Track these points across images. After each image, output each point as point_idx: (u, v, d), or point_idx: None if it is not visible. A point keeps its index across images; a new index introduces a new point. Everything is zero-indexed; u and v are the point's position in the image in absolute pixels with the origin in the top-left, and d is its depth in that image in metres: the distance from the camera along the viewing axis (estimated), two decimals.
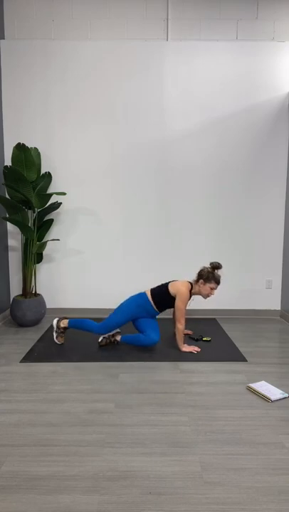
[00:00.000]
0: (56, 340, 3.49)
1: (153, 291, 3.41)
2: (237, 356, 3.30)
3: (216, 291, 3.38)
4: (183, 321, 3.34)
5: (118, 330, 3.55)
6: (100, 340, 3.49)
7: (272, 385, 2.79)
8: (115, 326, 3.36)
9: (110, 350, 3.40)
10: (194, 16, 4.15)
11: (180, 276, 4.38)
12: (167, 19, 4.15)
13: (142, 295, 3.40)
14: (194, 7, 4.14)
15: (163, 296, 3.36)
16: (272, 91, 4.20)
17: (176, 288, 3.34)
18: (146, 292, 3.41)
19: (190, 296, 3.40)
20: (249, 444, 2.12)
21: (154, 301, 3.37)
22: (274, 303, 4.47)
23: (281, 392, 2.65)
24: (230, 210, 4.34)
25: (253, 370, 3.05)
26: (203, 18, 4.15)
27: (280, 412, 2.44)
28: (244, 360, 3.23)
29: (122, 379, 2.87)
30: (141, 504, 1.71)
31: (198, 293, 3.40)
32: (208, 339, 3.64)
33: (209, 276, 3.35)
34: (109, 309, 4.43)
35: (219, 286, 4.42)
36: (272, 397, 2.57)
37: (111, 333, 3.50)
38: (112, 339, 3.49)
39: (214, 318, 4.37)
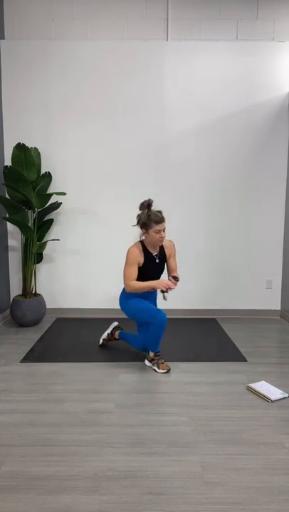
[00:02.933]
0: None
1: None
2: (237, 356, 3.30)
3: (165, 232, 2.91)
4: (127, 282, 2.94)
5: (117, 323, 3.44)
6: (100, 343, 3.47)
7: (272, 385, 2.79)
8: (154, 310, 2.94)
9: (110, 350, 3.40)
10: (194, 15, 4.15)
11: (181, 275, 4.38)
12: (167, 19, 4.15)
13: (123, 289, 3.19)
14: (194, 7, 4.14)
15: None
16: (272, 91, 4.20)
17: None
18: None
19: (152, 254, 3.02)
20: (249, 444, 2.12)
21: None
22: (274, 303, 4.47)
23: (281, 392, 2.64)
24: (231, 209, 4.34)
25: (253, 370, 3.05)
26: (203, 18, 4.15)
27: (280, 412, 2.44)
28: (244, 360, 3.23)
29: (122, 379, 2.87)
30: (141, 504, 1.71)
31: (152, 244, 2.99)
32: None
33: (145, 221, 2.90)
34: (109, 309, 4.43)
35: (218, 278, 4.42)
36: (272, 397, 2.57)
37: (110, 331, 3.42)
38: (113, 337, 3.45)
39: (214, 318, 4.37)
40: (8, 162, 4.25)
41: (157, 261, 3.06)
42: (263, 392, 2.63)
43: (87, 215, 4.35)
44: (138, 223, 2.98)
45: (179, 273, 4.35)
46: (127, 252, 2.99)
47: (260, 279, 4.43)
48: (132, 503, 1.71)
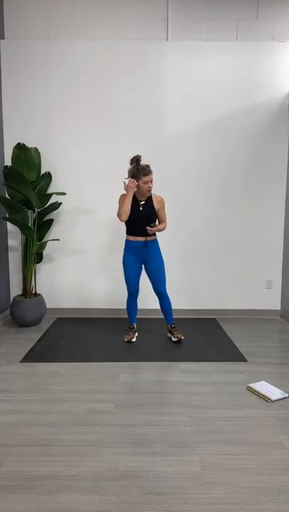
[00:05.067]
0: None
1: None
2: (237, 356, 3.30)
3: (152, 182, 3.33)
4: (120, 217, 3.40)
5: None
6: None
7: (272, 385, 2.79)
8: (130, 283, 3.55)
9: (110, 350, 3.40)
10: (194, 15, 4.15)
11: (177, 276, 4.38)
12: (167, 19, 4.15)
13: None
14: (194, 7, 4.14)
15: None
16: (272, 91, 4.20)
17: None
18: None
19: (139, 201, 3.39)
20: (249, 444, 2.12)
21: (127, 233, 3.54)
22: (274, 303, 4.47)
23: (281, 392, 2.65)
24: (231, 209, 4.34)
25: (253, 370, 3.05)
26: (203, 18, 4.15)
27: (280, 412, 2.44)
28: (244, 360, 3.23)
29: (122, 379, 2.87)
30: (141, 504, 1.71)
31: (141, 193, 3.36)
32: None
33: (134, 172, 3.28)
34: (108, 309, 4.43)
35: (218, 277, 4.42)
36: (272, 397, 2.57)
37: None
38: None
39: (214, 318, 4.37)
40: (8, 162, 4.25)
41: (141, 208, 3.40)
42: (263, 392, 2.63)
43: (87, 215, 4.35)
44: (129, 176, 3.34)
45: (183, 271, 4.36)
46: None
47: (260, 279, 4.43)
48: (132, 503, 1.71)
